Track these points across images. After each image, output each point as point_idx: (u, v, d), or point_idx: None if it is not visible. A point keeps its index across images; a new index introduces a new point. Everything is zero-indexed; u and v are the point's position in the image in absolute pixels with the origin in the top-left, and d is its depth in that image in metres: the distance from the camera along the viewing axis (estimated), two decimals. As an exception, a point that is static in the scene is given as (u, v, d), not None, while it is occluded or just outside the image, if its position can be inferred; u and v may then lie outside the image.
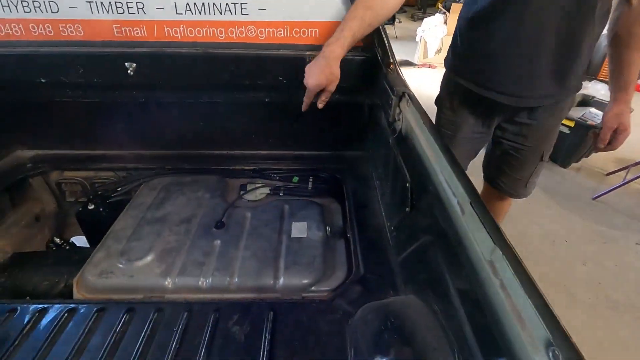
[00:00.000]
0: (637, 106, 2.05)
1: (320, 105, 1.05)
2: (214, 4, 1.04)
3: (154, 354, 0.72)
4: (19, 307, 0.81)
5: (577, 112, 2.81)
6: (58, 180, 1.39)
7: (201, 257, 0.98)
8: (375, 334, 0.69)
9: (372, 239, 1.02)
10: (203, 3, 1.04)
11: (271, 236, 1.06)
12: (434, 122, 0.98)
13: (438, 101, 1.43)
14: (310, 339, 0.76)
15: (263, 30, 1.08)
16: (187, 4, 1.04)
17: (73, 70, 1.07)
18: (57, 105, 1.21)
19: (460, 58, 1.27)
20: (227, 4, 1.05)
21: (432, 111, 1.43)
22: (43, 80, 1.09)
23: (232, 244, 1.02)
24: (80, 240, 1.43)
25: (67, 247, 1.39)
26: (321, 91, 1.02)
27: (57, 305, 0.82)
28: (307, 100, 1.04)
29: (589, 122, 2.73)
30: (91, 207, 1.27)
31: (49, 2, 1.02)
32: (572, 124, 2.79)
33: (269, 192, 1.29)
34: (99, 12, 1.03)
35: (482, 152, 1.51)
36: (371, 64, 1.12)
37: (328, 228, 1.09)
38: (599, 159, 3.07)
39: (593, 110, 2.82)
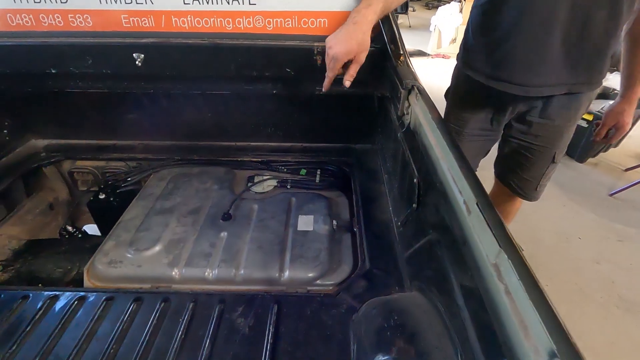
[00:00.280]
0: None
1: (348, 82, 0.92)
2: (221, -7, 1.03)
3: (160, 342, 0.74)
4: (31, 294, 0.84)
5: (596, 105, 2.70)
6: (71, 169, 1.42)
7: (208, 249, 0.99)
8: (378, 329, 0.69)
9: (378, 233, 1.01)
10: (211, -7, 1.03)
11: (277, 229, 1.06)
12: (443, 117, 0.96)
13: (447, 94, 1.39)
14: (314, 332, 0.76)
15: (271, 20, 1.06)
16: (195, -7, 1.03)
17: (82, 61, 1.08)
18: (68, 96, 1.23)
19: (471, 49, 1.23)
20: (235, -7, 1.03)
21: (443, 104, 1.40)
22: (54, 71, 1.10)
23: (238, 236, 1.03)
24: (92, 229, 1.46)
25: (80, 235, 1.43)
26: (347, 63, 0.89)
27: (67, 293, 0.84)
28: (330, 74, 0.90)
29: (608, 116, 2.64)
30: (102, 196, 1.29)
31: (58, -8, 1.02)
32: (590, 117, 2.70)
33: (276, 184, 1.29)
34: (107, 3, 1.03)
35: (494, 149, 1.47)
36: (381, 55, 1.09)
37: (334, 222, 1.09)
38: (617, 154, 2.97)
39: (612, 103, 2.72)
